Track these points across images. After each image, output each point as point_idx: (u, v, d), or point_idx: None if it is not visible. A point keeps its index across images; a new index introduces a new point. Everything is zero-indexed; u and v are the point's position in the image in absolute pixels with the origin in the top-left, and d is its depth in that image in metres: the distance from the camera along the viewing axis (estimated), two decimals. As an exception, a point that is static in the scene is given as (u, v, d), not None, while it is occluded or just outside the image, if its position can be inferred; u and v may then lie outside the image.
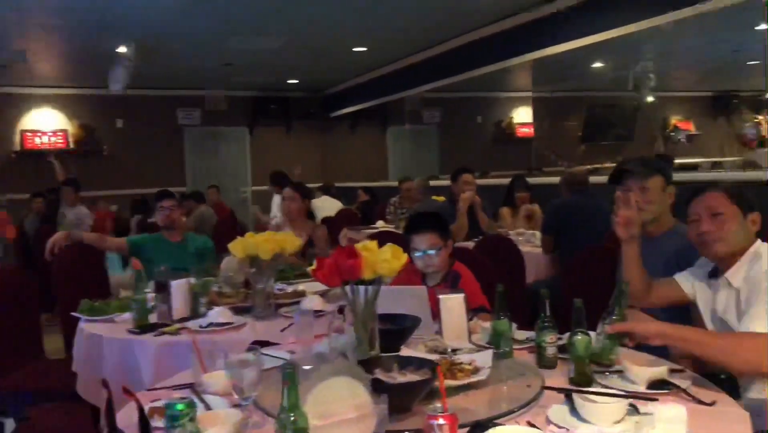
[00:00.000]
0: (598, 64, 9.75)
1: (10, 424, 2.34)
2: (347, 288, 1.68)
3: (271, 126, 11.06)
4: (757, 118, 11.84)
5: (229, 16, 6.15)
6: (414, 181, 7.16)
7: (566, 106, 12.05)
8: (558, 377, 1.70)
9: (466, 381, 1.60)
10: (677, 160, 8.81)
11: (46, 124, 9.59)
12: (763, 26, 7.35)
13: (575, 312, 1.70)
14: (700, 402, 1.48)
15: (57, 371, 2.90)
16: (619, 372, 1.67)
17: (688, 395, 1.52)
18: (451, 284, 2.57)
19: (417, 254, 2.55)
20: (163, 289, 2.57)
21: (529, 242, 4.79)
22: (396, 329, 1.85)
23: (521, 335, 2.10)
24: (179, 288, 2.56)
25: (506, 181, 5.93)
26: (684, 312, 2.09)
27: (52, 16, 5.99)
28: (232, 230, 6.29)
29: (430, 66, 8.53)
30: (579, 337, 1.66)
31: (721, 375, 2.22)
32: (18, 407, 2.46)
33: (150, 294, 2.62)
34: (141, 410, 1.29)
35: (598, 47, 6.74)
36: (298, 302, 2.68)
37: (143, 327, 2.47)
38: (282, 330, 2.40)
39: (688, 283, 2.06)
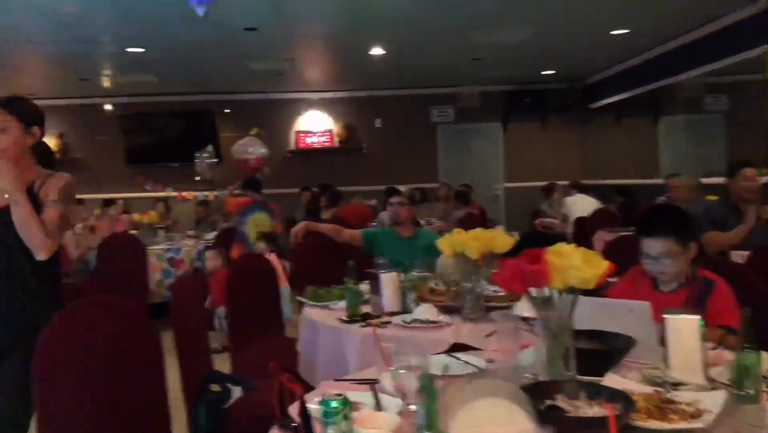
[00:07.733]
0: None
1: (237, 391, 2.53)
2: (535, 295, 1.44)
3: (525, 121, 10.73)
4: None
5: (470, 9, 6.03)
6: (681, 178, 6.30)
7: None
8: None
9: (678, 426, 1.26)
10: None
11: (315, 125, 10.56)
12: None
13: None
14: None
15: (288, 349, 3.07)
16: None
17: None
18: (698, 294, 2.14)
19: (647, 259, 2.18)
20: (373, 280, 2.59)
21: None
22: (598, 350, 1.56)
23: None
24: (387, 281, 2.54)
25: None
26: None
27: (314, 24, 6.50)
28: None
29: (708, 45, 7.34)
30: None
31: None
32: (248, 378, 2.66)
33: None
34: (303, 402, 1.27)
35: None
36: (510, 307, 2.48)
37: (353, 317, 2.51)
38: (486, 336, 2.22)
39: None
